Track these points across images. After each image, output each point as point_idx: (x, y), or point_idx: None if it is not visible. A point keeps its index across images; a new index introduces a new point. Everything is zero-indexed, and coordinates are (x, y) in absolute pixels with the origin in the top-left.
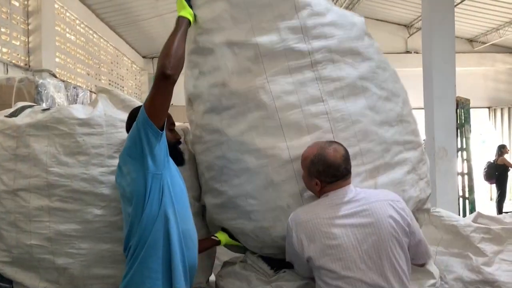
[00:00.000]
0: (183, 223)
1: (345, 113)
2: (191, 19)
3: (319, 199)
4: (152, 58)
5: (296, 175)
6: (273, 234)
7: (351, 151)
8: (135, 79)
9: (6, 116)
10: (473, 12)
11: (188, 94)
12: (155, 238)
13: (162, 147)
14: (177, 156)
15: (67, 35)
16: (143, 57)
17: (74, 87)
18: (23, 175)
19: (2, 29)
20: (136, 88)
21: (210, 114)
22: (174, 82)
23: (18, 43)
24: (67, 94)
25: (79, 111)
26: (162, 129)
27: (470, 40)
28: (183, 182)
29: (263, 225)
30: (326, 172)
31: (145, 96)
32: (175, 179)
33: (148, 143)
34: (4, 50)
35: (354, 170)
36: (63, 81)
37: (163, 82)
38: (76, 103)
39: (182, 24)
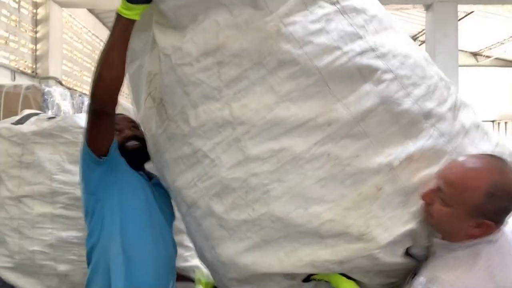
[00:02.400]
0: (136, 247)
1: (391, 48)
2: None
3: (473, 249)
4: None
5: (373, 142)
6: None
7: (419, 91)
8: None
9: (13, 124)
10: (477, 26)
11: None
12: (96, 263)
13: (104, 170)
14: (134, 160)
15: (74, 43)
16: None
17: (80, 95)
18: (27, 182)
19: (11, 37)
20: None
21: (207, 102)
22: (108, 114)
23: (26, 51)
24: (72, 102)
25: (84, 120)
26: (106, 154)
27: (475, 54)
28: (152, 198)
29: None
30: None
31: None
32: (128, 200)
33: (87, 167)
34: (12, 57)
35: (436, 111)
36: (70, 88)
37: (94, 117)
38: (81, 111)
39: (117, 26)
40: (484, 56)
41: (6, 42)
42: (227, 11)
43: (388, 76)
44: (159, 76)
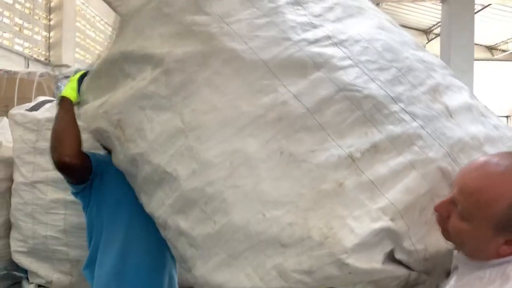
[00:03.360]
0: (118, 258)
1: (353, 34)
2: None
3: (501, 268)
4: None
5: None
6: None
7: (387, 75)
8: None
9: (27, 110)
10: (493, 20)
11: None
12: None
13: (88, 190)
14: None
15: (87, 31)
16: None
17: None
18: (41, 168)
19: (25, 24)
20: None
21: (160, 113)
22: (77, 168)
23: (39, 38)
24: None
25: None
26: (84, 182)
27: (490, 48)
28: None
29: None
30: None
31: None
32: (107, 201)
33: (73, 192)
34: (26, 44)
35: (408, 94)
36: None
37: (62, 174)
38: None
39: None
40: (500, 50)
41: (20, 29)
42: (169, 21)
43: (346, 62)
44: (113, 100)
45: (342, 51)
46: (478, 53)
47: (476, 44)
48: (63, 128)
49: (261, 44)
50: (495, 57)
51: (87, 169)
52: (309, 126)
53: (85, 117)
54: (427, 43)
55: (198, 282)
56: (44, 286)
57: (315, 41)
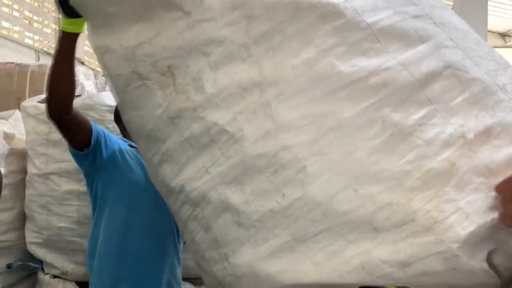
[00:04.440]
0: (113, 237)
1: (451, 20)
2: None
3: None
4: None
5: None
6: None
7: (489, 65)
8: None
9: (39, 102)
10: (506, 5)
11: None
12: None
13: (91, 159)
14: None
15: None
16: None
17: (103, 75)
18: (54, 160)
19: (35, 17)
20: None
21: (231, 63)
22: (66, 121)
23: (49, 31)
24: (96, 82)
25: (110, 98)
26: (88, 145)
27: (503, 35)
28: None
29: None
30: None
31: None
32: (112, 181)
33: (75, 160)
34: (36, 37)
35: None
36: (92, 69)
37: (56, 125)
38: (104, 91)
39: (63, 42)
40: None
41: (30, 22)
42: None
43: (449, 43)
44: (162, 41)
45: (443, 31)
46: (491, 40)
47: (489, 31)
48: (56, 78)
49: (363, 6)
50: (508, 43)
51: (84, 134)
52: (416, 98)
53: (108, 57)
54: None
55: (236, 273)
56: (59, 277)
57: (416, 16)
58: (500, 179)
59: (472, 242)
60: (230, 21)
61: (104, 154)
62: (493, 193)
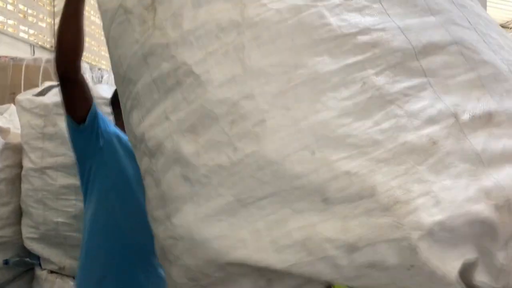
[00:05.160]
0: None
1: (468, 3)
2: None
3: None
4: None
5: (432, 84)
6: None
7: (508, 55)
8: None
9: (34, 95)
10: None
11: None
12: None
13: (87, 137)
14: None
15: (92, 17)
16: None
17: (99, 69)
18: (50, 154)
19: (29, 11)
20: None
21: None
22: (73, 80)
23: (44, 25)
24: (92, 76)
25: (106, 91)
26: (85, 120)
27: (502, 26)
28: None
29: None
30: None
31: None
32: (106, 168)
33: (71, 135)
34: (31, 31)
35: None
36: (88, 63)
37: (62, 84)
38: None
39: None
40: (510, 28)
41: (24, 16)
42: None
43: (464, 22)
44: None
45: (460, 10)
46: None
47: None
48: (63, 32)
49: None
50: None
51: (86, 103)
52: (409, 67)
53: None
54: None
55: (176, 235)
56: (56, 272)
57: None
58: (491, 171)
59: (441, 236)
60: None
61: (103, 134)
62: (483, 184)
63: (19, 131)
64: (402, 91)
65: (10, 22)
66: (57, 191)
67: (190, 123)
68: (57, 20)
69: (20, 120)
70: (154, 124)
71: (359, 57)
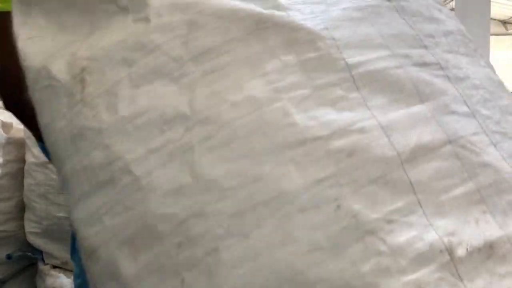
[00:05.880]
0: None
1: (470, 74)
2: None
3: None
4: None
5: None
6: None
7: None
8: None
9: None
10: None
11: None
12: None
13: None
14: None
15: None
16: None
17: None
18: None
19: None
20: None
21: (158, 80)
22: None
23: None
24: None
25: None
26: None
27: (504, 22)
28: None
29: None
30: None
31: None
32: None
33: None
34: None
35: None
36: None
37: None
38: None
39: None
40: None
41: None
42: None
43: (461, 108)
44: (91, 39)
45: (458, 90)
46: (492, 28)
47: (491, 19)
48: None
49: (347, 39)
50: (510, 31)
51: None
52: (394, 179)
53: (30, 47)
54: None
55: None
56: (59, 267)
57: (423, 64)
58: None
59: None
60: (166, 25)
61: None
62: None
63: (21, 126)
64: (385, 216)
65: None
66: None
67: (129, 233)
68: None
69: None
70: (86, 222)
71: (332, 169)
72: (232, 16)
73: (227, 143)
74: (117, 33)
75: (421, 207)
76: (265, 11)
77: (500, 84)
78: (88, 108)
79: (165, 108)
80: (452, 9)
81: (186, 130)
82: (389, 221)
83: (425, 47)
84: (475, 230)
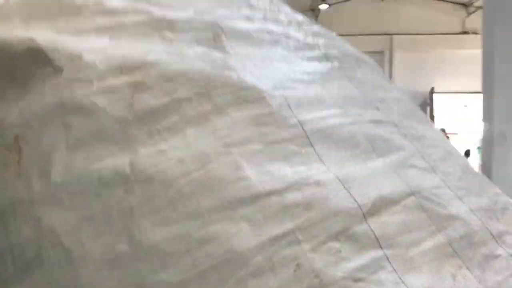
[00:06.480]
0: None
1: (426, 134)
2: None
3: None
4: None
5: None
6: None
7: (480, 202)
8: None
9: None
10: None
11: None
12: None
13: None
14: None
15: None
16: None
17: None
18: None
19: None
20: None
21: (99, 143)
22: None
23: None
24: None
25: None
26: None
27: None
28: None
29: None
30: None
31: None
32: None
33: None
34: None
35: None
36: None
37: None
38: None
39: None
40: None
41: None
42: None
43: (420, 163)
44: (22, 103)
45: (414, 146)
46: None
47: None
48: None
49: (298, 98)
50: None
51: None
52: (357, 233)
53: None
54: (466, 17)
55: None
56: None
57: (377, 122)
58: None
59: None
60: (110, 87)
61: None
62: None
63: None
64: (351, 274)
65: None
66: None
67: None
68: None
69: None
70: None
71: (288, 225)
72: (180, 78)
73: (171, 203)
74: (51, 96)
75: (389, 262)
76: (214, 72)
77: (455, 148)
78: (21, 180)
79: (103, 171)
80: (479, 8)
81: (125, 192)
82: (356, 280)
83: (378, 108)
84: (453, 286)
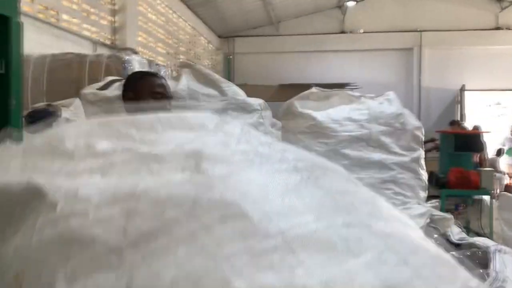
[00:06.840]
0: None
1: (395, 231)
2: None
3: None
4: (227, 38)
5: None
6: None
7: None
8: (211, 58)
9: (97, 89)
10: None
11: None
12: None
13: None
14: None
15: (149, 14)
16: (219, 36)
17: (157, 64)
18: None
19: (92, 9)
20: (211, 68)
21: (96, 272)
22: None
23: (105, 23)
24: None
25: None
26: None
27: None
28: None
29: None
30: None
31: (220, 75)
32: None
33: None
34: (93, 29)
35: None
36: (146, 59)
37: None
38: None
39: None
40: None
41: (87, 14)
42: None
43: (393, 258)
44: (18, 241)
45: (386, 244)
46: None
47: None
48: None
49: (276, 209)
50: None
51: None
52: None
53: None
54: (500, 12)
55: None
56: None
57: (349, 224)
58: None
59: None
60: (105, 217)
61: None
62: None
63: None
64: None
65: (75, 21)
66: None
67: None
68: (117, 18)
69: (85, 112)
70: None
71: None
72: (169, 202)
73: None
74: (49, 230)
75: None
76: (198, 193)
77: (424, 238)
78: None
79: None
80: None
81: None
82: None
83: (348, 212)
84: None
